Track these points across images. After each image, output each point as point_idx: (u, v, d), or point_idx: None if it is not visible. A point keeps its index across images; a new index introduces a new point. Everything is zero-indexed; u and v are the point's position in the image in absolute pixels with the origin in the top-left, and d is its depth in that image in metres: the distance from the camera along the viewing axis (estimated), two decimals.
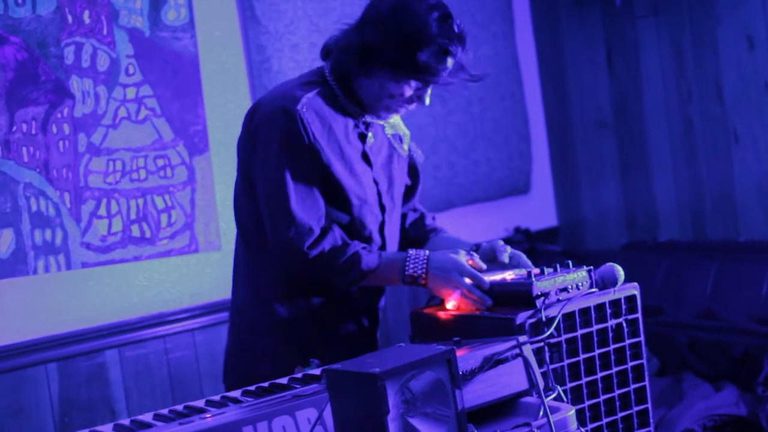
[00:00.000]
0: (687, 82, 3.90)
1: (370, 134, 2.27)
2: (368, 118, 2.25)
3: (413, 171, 2.46)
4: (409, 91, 2.15)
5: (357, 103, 2.22)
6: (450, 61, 2.12)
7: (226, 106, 3.38)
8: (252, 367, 2.21)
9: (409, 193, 2.46)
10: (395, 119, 2.36)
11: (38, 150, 3.02)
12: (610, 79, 4.19)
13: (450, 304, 2.07)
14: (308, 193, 2.13)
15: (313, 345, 2.20)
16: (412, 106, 2.21)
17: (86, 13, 3.11)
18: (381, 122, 2.31)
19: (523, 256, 2.24)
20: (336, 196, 2.18)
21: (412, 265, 2.13)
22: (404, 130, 2.41)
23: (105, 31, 3.14)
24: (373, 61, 2.11)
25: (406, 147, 2.40)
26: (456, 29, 2.11)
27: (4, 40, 2.95)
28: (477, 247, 2.30)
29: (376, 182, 2.27)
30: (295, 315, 2.22)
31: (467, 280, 2.07)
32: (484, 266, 2.16)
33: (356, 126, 2.24)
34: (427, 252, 2.15)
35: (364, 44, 2.12)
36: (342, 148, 2.19)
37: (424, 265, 2.12)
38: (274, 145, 2.12)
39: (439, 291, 2.11)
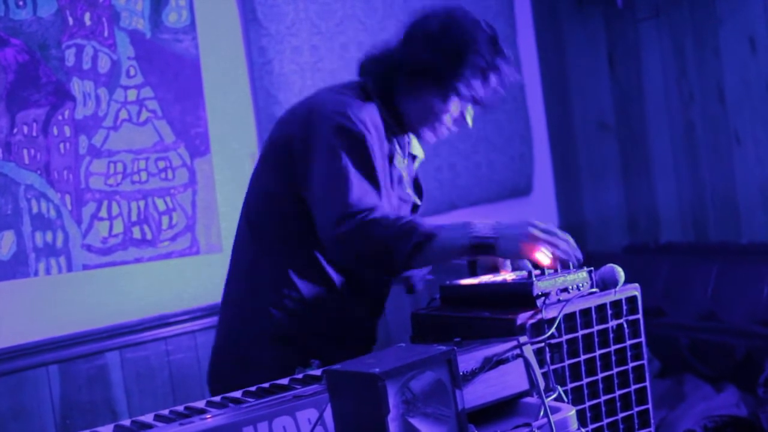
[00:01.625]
0: (688, 84, 3.90)
1: (399, 157, 2.25)
2: (406, 139, 2.24)
3: (418, 186, 2.43)
4: (455, 111, 2.16)
5: (398, 122, 2.21)
6: (496, 80, 2.14)
7: (228, 108, 3.38)
8: (251, 376, 2.19)
9: (414, 209, 2.43)
10: (416, 141, 2.34)
11: (39, 152, 3.02)
12: (612, 81, 4.19)
13: (545, 259, 1.93)
14: (365, 180, 2.07)
15: (310, 344, 2.18)
16: (455, 127, 2.22)
17: (87, 15, 3.11)
18: (416, 145, 2.30)
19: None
20: None
21: (479, 228, 1.99)
22: (420, 153, 2.38)
23: (106, 33, 3.14)
24: (423, 79, 2.12)
25: (416, 166, 2.39)
26: (500, 47, 2.15)
27: (5, 42, 2.95)
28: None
29: (403, 201, 2.26)
30: (292, 314, 2.21)
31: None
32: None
33: (391, 146, 2.22)
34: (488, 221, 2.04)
35: (415, 61, 2.12)
36: (383, 166, 2.15)
37: (492, 227, 1.99)
38: (339, 142, 2.06)
39: (521, 250, 1.96)
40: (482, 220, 2.03)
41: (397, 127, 2.22)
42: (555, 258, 1.95)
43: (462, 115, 2.20)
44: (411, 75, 2.13)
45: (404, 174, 2.28)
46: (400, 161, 2.25)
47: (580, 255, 1.97)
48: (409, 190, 2.31)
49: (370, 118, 2.13)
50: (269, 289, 2.20)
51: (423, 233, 1.98)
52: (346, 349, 2.13)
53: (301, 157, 2.13)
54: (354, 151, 2.08)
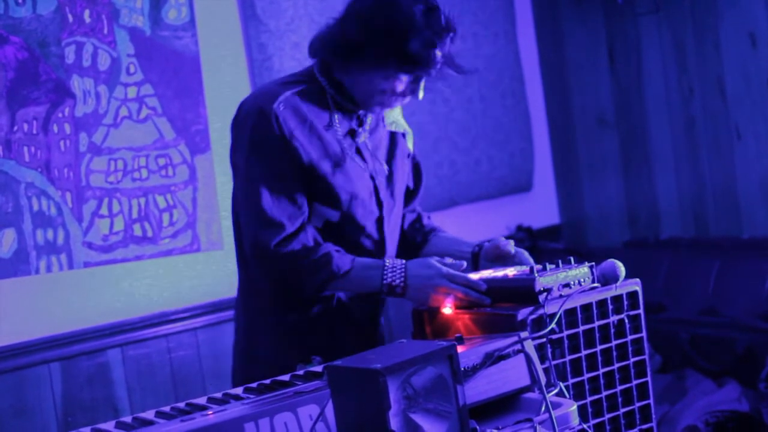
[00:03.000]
0: (689, 79, 3.89)
1: (364, 128, 2.23)
2: (363, 114, 2.23)
3: (417, 172, 2.43)
4: (400, 86, 2.12)
5: (349, 99, 2.19)
6: (438, 53, 2.08)
7: (228, 105, 3.35)
8: (250, 370, 2.20)
9: (412, 194, 2.43)
10: (395, 116, 2.34)
11: (39, 150, 3.02)
12: (612, 77, 4.19)
13: (447, 310, 2.02)
14: (282, 191, 2.09)
15: (310, 347, 2.18)
16: (406, 100, 2.18)
17: (87, 13, 3.11)
18: (388, 118, 2.29)
19: (525, 253, 2.23)
20: (322, 193, 2.15)
21: (389, 274, 2.08)
22: (406, 127, 2.38)
23: (106, 31, 3.14)
24: (359, 57, 2.09)
25: (410, 145, 2.38)
26: (443, 20, 2.08)
27: (5, 39, 2.95)
28: (480, 247, 2.29)
29: (372, 177, 2.24)
30: (292, 318, 2.21)
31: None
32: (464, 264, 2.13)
33: (349, 123, 2.21)
34: (404, 261, 2.10)
35: (348, 40, 2.09)
36: (327, 145, 2.15)
37: (402, 274, 2.07)
38: (249, 144, 2.11)
39: (425, 301, 2.05)
40: (396, 263, 2.09)
41: (346, 103, 2.19)
42: (461, 304, 2.01)
43: (411, 90, 2.14)
44: (348, 54, 2.10)
45: (372, 145, 2.25)
46: (364, 136, 2.23)
47: (488, 301, 2.00)
48: (384, 165, 2.28)
49: (298, 107, 2.12)
50: (265, 292, 2.21)
51: (332, 272, 2.07)
52: (348, 347, 2.13)
53: (233, 162, 2.19)
54: (267, 153, 2.09)
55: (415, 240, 2.41)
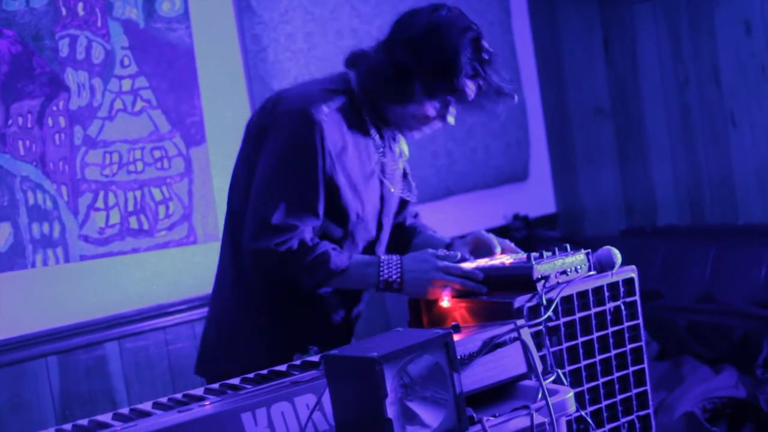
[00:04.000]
0: (684, 68, 3.89)
1: (391, 148, 2.25)
2: (390, 134, 2.24)
3: (407, 185, 2.43)
4: (432, 112, 2.14)
5: (381, 119, 2.19)
6: (481, 85, 2.12)
7: (223, 96, 3.37)
8: (230, 364, 2.19)
9: (401, 205, 2.43)
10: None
11: (34, 143, 3.02)
12: (607, 66, 4.19)
13: (445, 303, 2.03)
14: (301, 198, 2.09)
15: (297, 334, 2.18)
16: (437, 126, 2.20)
17: (80, 5, 3.10)
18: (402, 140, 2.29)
19: (512, 244, 2.24)
20: (335, 210, 2.14)
21: (386, 270, 2.09)
22: (405, 150, 2.38)
23: (99, 23, 3.13)
24: (404, 84, 2.09)
25: (400, 166, 2.37)
26: (487, 51, 2.11)
27: None
28: (452, 244, 2.29)
29: (383, 199, 2.25)
30: (278, 305, 2.21)
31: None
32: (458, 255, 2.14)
33: (377, 141, 2.22)
34: (400, 256, 2.11)
35: (396, 66, 2.09)
36: (353, 164, 2.15)
37: (399, 270, 2.08)
38: (286, 144, 2.09)
39: (422, 295, 2.06)
40: (392, 259, 2.10)
41: (378, 122, 2.20)
42: (459, 295, 2.02)
43: (443, 116, 2.16)
44: (393, 79, 2.10)
45: (395, 165, 2.27)
46: (390, 155, 2.25)
47: (485, 290, 2.01)
48: (393, 189, 2.29)
49: (339, 123, 2.11)
50: (254, 279, 2.20)
51: (330, 270, 2.08)
52: (328, 337, 2.13)
53: (256, 149, 2.16)
54: (301, 158, 2.07)
55: (398, 244, 2.42)
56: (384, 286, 2.10)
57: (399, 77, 2.09)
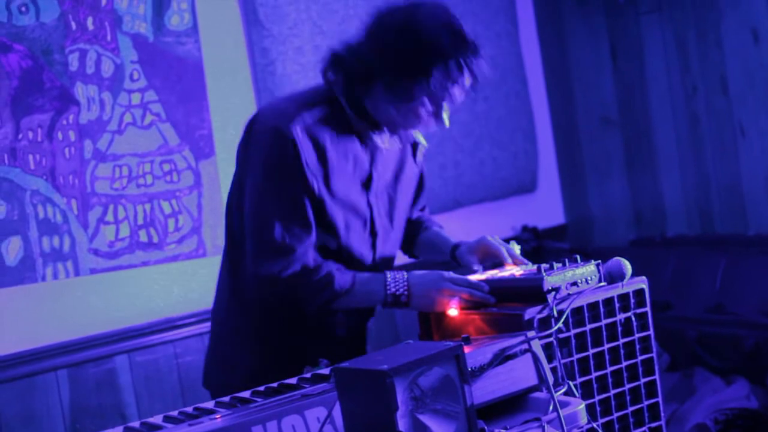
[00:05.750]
0: (692, 77, 3.89)
1: (380, 151, 2.19)
2: (378, 136, 2.16)
3: (420, 183, 2.40)
4: (424, 112, 2.07)
5: (370, 121, 2.12)
6: (467, 80, 2.04)
7: (232, 109, 3.38)
8: (230, 376, 2.18)
9: (414, 199, 2.40)
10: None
11: (44, 157, 3.03)
12: (615, 76, 4.19)
13: (452, 312, 2.03)
14: (295, 219, 2.07)
15: (295, 354, 2.16)
16: (431, 126, 2.12)
17: (90, 20, 3.11)
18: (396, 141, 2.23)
19: (518, 247, 2.23)
20: (325, 222, 2.12)
21: (392, 284, 2.07)
22: (421, 139, 2.32)
23: (109, 38, 3.15)
24: (381, 83, 2.03)
25: (420, 156, 2.33)
26: (469, 43, 2.03)
27: (9, 48, 2.96)
28: (458, 246, 2.28)
29: (370, 206, 2.20)
30: (277, 324, 2.20)
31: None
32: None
33: (365, 145, 2.17)
34: (404, 271, 2.10)
35: (370, 65, 2.02)
36: (335, 174, 2.11)
37: (405, 283, 2.07)
38: (263, 163, 2.07)
39: (431, 306, 2.05)
40: (397, 274, 2.09)
41: (366, 125, 2.13)
42: (468, 305, 2.01)
43: (435, 115, 2.09)
44: (368, 80, 2.04)
45: (382, 168, 2.22)
46: (371, 159, 2.19)
47: (493, 301, 2.00)
48: (386, 192, 2.25)
49: (314, 134, 2.07)
50: (250, 292, 2.19)
51: (335, 291, 2.07)
52: (331, 350, 2.12)
53: (241, 173, 2.15)
54: (282, 175, 2.05)
55: (408, 235, 2.40)
56: (392, 300, 2.08)
57: (373, 78, 2.03)
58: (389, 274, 2.10)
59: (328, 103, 2.12)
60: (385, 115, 2.10)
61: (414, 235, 2.41)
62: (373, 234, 2.23)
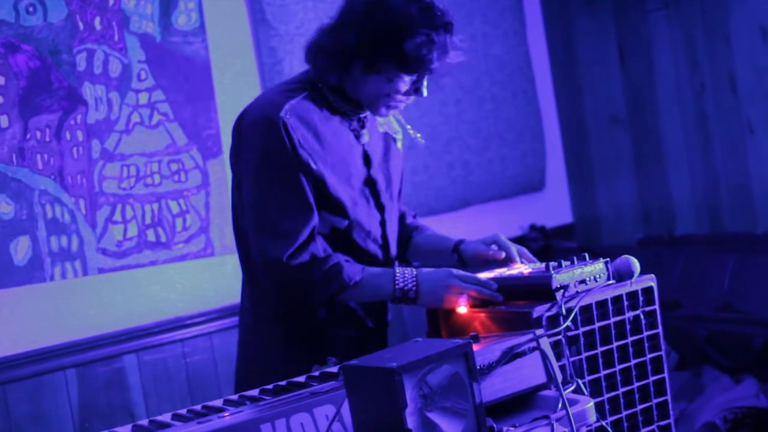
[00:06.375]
0: (700, 75, 3.88)
1: (365, 132, 2.23)
2: (364, 116, 2.21)
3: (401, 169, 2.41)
4: (403, 86, 2.10)
5: (352, 102, 2.16)
6: (436, 50, 2.05)
7: (239, 108, 3.36)
8: (250, 377, 2.19)
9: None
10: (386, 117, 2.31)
11: (52, 157, 3.03)
12: (623, 74, 4.18)
13: (461, 309, 2.03)
14: (293, 201, 2.08)
15: (315, 355, 2.17)
16: (411, 99, 2.16)
17: (97, 20, 3.12)
18: (380, 119, 2.27)
19: (513, 248, 2.23)
20: (329, 201, 2.13)
21: (401, 279, 2.07)
22: (396, 128, 2.36)
23: (116, 37, 3.15)
24: (357, 63, 2.07)
25: (400, 146, 2.36)
26: (439, 15, 2.05)
27: (17, 48, 2.97)
28: (461, 242, 2.29)
29: (373, 181, 2.22)
30: (298, 325, 2.20)
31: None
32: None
33: (351, 125, 2.20)
34: (413, 268, 2.10)
35: (344, 46, 2.06)
36: (332, 152, 2.13)
37: (414, 279, 2.07)
38: (259, 155, 2.09)
39: (439, 302, 2.05)
40: (406, 269, 2.10)
41: (348, 106, 2.17)
42: (476, 302, 2.01)
43: (415, 88, 2.12)
44: (344, 60, 2.08)
45: (371, 147, 2.24)
46: (366, 136, 2.22)
47: (501, 298, 2.00)
48: (381, 168, 2.26)
49: (304, 115, 2.10)
50: (272, 293, 2.19)
51: (343, 282, 2.07)
52: (354, 355, 2.11)
53: (236, 170, 2.17)
54: (277, 161, 2.07)
55: (399, 238, 2.40)
56: (400, 295, 2.08)
57: (351, 57, 2.06)
58: (398, 270, 2.10)
59: (311, 87, 2.16)
60: (365, 94, 2.13)
61: (408, 237, 2.41)
62: (380, 208, 2.24)
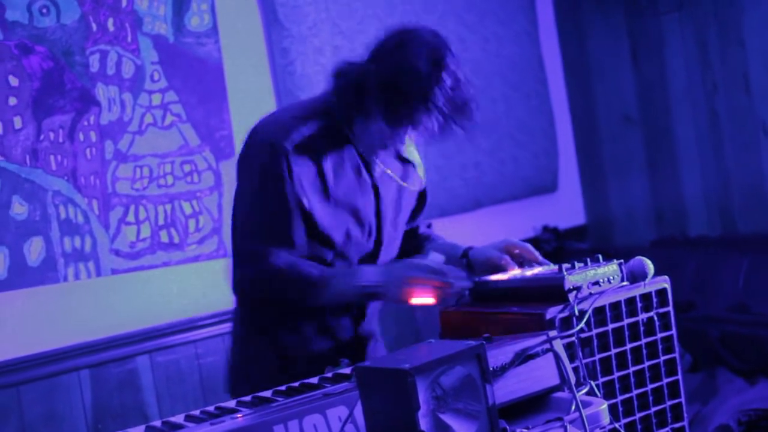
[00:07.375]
0: (713, 75, 3.86)
1: (378, 162, 2.22)
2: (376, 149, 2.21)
3: (422, 197, 2.41)
4: (407, 138, 2.13)
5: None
6: (446, 114, 2.06)
7: (252, 110, 3.37)
8: (241, 387, 2.20)
9: (414, 214, 2.41)
10: (409, 144, 2.30)
11: (66, 158, 3.04)
12: (635, 75, 4.17)
13: (415, 300, 2.03)
14: (271, 225, 2.11)
15: (306, 365, 2.17)
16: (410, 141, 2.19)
17: (110, 21, 3.13)
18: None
19: (529, 247, 2.23)
20: (318, 235, 2.14)
21: (365, 276, 2.10)
22: (417, 159, 2.35)
23: (129, 39, 3.16)
24: (372, 109, 2.07)
25: (421, 173, 2.35)
26: (448, 76, 2.05)
27: (30, 49, 2.98)
28: (470, 249, 2.28)
29: (380, 213, 2.22)
30: (284, 337, 2.21)
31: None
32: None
33: (363, 156, 2.20)
34: (376, 265, 2.13)
35: (362, 90, 2.06)
36: (335, 184, 2.14)
37: (377, 275, 2.09)
38: (253, 175, 2.12)
39: (403, 295, 2.06)
40: (368, 266, 2.13)
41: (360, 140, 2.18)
42: (441, 295, 2.03)
43: (426, 129, 2.10)
44: (361, 102, 2.08)
45: (380, 173, 2.23)
46: (380, 167, 2.22)
47: (461, 284, 2.02)
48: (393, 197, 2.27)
49: (309, 148, 2.10)
50: (265, 308, 2.21)
51: (306, 282, 2.09)
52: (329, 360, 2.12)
53: (239, 177, 2.21)
54: (268, 188, 2.09)
55: (410, 250, 2.40)
56: (369, 291, 2.10)
57: (366, 101, 2.07)
58: (362, 267, 2.13)
59: (324, 115, 2.15)
60: (368, 138, 2.14)
61: (420, 248, 2.41)
62: (378, 243, 2.24)
